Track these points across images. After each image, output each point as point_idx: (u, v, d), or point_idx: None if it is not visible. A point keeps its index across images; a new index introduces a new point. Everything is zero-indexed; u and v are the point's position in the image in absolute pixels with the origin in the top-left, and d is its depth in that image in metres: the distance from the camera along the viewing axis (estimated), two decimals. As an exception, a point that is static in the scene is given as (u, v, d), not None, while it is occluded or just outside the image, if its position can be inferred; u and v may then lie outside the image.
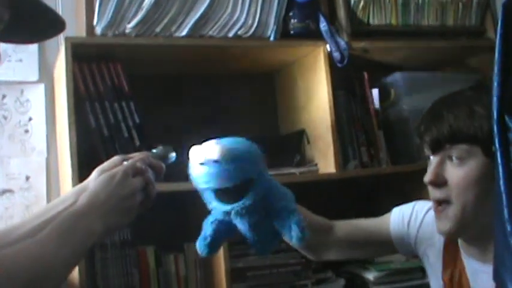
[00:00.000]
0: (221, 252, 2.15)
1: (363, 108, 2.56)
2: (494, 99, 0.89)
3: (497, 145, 0.89)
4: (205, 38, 2.25)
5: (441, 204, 1.50)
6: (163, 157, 1.53)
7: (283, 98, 2.75)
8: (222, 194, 1.36)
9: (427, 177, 1.51)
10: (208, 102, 2.58)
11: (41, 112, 2.44)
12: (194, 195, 1.95)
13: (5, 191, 2.35)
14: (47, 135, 2.43)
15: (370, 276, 2.44)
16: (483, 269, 1.48)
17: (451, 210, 1.47)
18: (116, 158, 1.46)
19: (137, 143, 2.13)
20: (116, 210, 1.33)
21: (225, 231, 1.45)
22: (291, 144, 2.53)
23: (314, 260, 1.95)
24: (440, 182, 1.48)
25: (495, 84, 0.88)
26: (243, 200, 1.35)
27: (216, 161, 1.30)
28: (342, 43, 2.36)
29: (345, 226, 1.82)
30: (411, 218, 1.74)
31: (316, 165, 2.41)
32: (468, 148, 1.43)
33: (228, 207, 1.36)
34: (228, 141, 1.34)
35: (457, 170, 1.45)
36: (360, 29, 2.51)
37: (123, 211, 1.35)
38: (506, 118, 0.88)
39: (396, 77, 2.68)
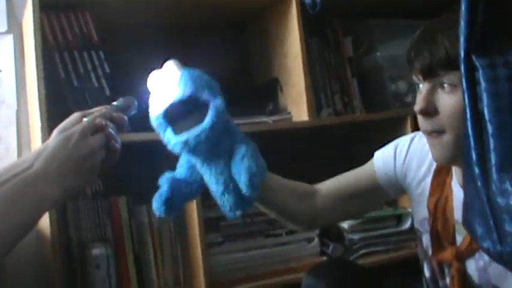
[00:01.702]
0: (194, 203, 2.15)
1: (337, 56, 2.56)
2: (461, 39, 0.87)
3: (464, 86, 0.87)
4: (175, -14, 2.22)
5: (432, 134, 1.42)
6: (125, 109, 1.47)
7: (256, 46, 2.73)
8: (178, 129, 1.30)
9: (417, 106, 1.41)
10: (179, 52, 2.53)
11: (10, 64, 2.40)
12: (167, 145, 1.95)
13: (-26, 144, 2.33)
14: (16, 87, 2.39)
15: (345, 225, 2.46)
16: None
17: (446, 139, 1.38)
18: (75, 115, 1.40)
19: (107, 92, 2.10)
20: (74, 172, 1.29)
21: (183, 189, 1.38)
22: (264, 93, 2.51)
23: (309, 230, 1.90)
24: (432, 110, 1.39)
25: (462, 24, 0.86)
26: (201, 124, 1.27)
27: (169, 76, 1.28)
28: (314, -11, 2.33)
29: (330, 185, 1.77)
30: (396, 154, 1.70)
31: (289, 113, 2.39)
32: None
33: (185, 136, 1.28)
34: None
35: (450, 98, 1.35)
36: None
37: (83, 172, 1.30)
38: (473, 58, 0.86)
39: (370, 24, 2.67)
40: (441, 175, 1.57)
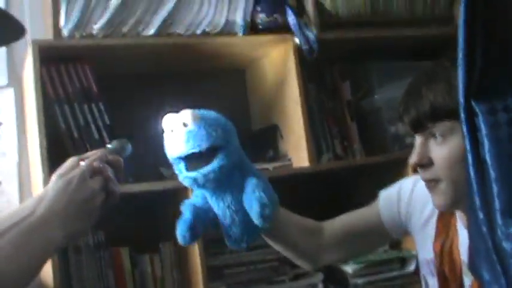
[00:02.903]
0: (197, 251, 2.14)
1: (335, 101, 2.56)
2: (460, 86, 0.87)
3: (465, 132, 0.87)
4: (173, 36, 2.24)
5: (430, 182, 1.45)
6: (120, 151, 1.48)
7: (254, 93, 2.74)
8: (191, 165, 1.33)
9: (412, 159, 1.45)
10: (179, 100, 2.55)
11: (11, 116, 2.41)
12: (167, 194, 1.95)
13: (-24, 197, 2.33)
14: (17, 140, 2.40)
15: (349, 269, 2.45)
16: None
17: (442, 187, 1.42)
18: (72, 160, 1.40)
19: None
20: (75, 216, 1.30)
21: (203, 216, 1.41)
22: (264, 140, 2.52)
23: (312, 268, 1.91)
24: (425, 162, 1.42)
25: (460, 71, 0.87)
26: (210, 164, 1.32)
27: (185, 125, 1.30)
28: (311, 35, 2.34)
29: (335, 223, 1.78)
30: (400, 195, 1.71)
31: (289, 159, 2.40)
32: (450, 124, 1.37)
33: (194, 173, 1.32)
34: (200, 111, 1.34)
35: (441, 148, 1.39)
36: (329, 21, 2.49)
37: (84, 215, 1.32)
38: (473, 103, 0.86)
39: (368, 67, 2.68)
40: (446, 217, 1.58)
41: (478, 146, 0.87)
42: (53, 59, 2.12)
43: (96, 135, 2.12)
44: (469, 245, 1.00)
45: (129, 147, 1.50)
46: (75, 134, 2.10)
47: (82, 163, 1.38)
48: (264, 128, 2.60)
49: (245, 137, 2.59)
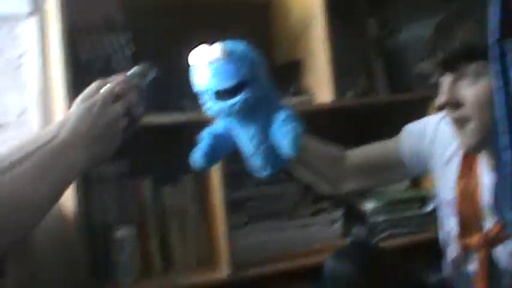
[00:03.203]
0: (217, 184, 2.16)
1: (361, 37, 2.53)
2: (492, 24, 0.85)
3: (494, 70, 0.85)
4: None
5: (458, 122, 1.42)
6: (142, 76, 1.47)
7: (279, 27, 2.70)
8: (218, 97, 1.34)
9: (441, 99, 1.41)
10: (204, 33, 2.53)
11: (34, 46, 2.39)
12: (189, 127, 1.94)
13: (-2, 126, 2.33)
14: (40, 70, 2.39)
15: (369, 206, 2.46)
16: None
17: (471, 127, 1.39)
18: (95, 84, 1.39)
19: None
20: (98, 140, 1.31)
21: (222, 144, 1.44)
22: (287, 74, 2.49)
23: (332, 192, 1.93)
24: (455, 102, 1.39)
25: (493, 8, 0.84)
26: (236, 97, 1.33)
27: (214, 59, 1.30)
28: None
29: (358, 152, 1.82)
30: (425, 129, 1.71)
31: (312, 94, 2.38)
32: (483, 64, 1.33)
33: (220, 104, 1.34)
34: (229, 43, 1.34)
35: (472, 88, 1.36)
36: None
37: (107, 139, 1.32)
38: (504, 43, 0.84)
39: (396, 4, 2.63)
40: (469, 159, 1.56)
41: (508, 84, 0.85)
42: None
43: (121, 66, 2.10)
44: (494, 186, 0.99)
45: (151, 72, 1.49)
46: (98, 65, 2.08)
47: (105, 87, 1.38)
48: (287, 62, 2.57)
49: (268, 71, 2.60)
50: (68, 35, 2.02)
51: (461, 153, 1.59)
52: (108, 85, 1.38)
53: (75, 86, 1.98)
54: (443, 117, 1.63)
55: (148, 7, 2.38)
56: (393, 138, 1.78)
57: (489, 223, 1.47)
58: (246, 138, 1.41)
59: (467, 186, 1.54)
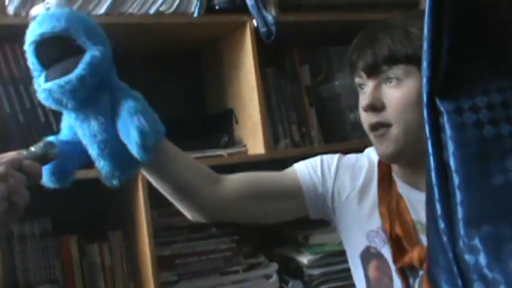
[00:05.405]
0: (146, 240, 2.08)
1: (294, 86, 2.50)
2: (424, 80, 0.79)
3: (427, 133, 0.80)
4: (124, 15, 2.13)
5: (379, 128, 1.45)
6: (43, 155, 1.21)
7: (210, 76, 2.66)
8: (51, 76, 1.16)
9: (364, 102, 1.45)
10: (131, 83, 2.46)
11: None
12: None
13: None
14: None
15: (304, 259, 2.40)
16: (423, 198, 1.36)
17: (393, 132, 1.43)
18: None
19: (55, 127, 2.01)
20: None
21: (70, 152, 1.22)
22: (219, 125, 2.44)
23: (206, 219, 1.70)
24: (378, 105, 1.43)
25: (424, 64, 0.79)
26: (68, 75, 1.14)
27: (48, 9, 1.17)
28: (270, 18, 2.25)
29: (247, 177, 1.62)
30: (323, 166, 1.65)
31: (245, 146, 2.33)
32: (406, 68, 1.41)
33: (50, 84, 1.14)
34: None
35: (395, 91, 1.42)
36: (288, 3, 2.39)
37: None
38: (438, 102, 0.79)
39: (328, 51, 2.61)
40: (385, 183, 1.57)
41: (441, 148, 0.80)
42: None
43: (43, 119, 2.04)
44: (427, 252, 0.92)
45: (55, 154, 1.23)
46: (21, 118, 2.02)
47: None
48: (219, 112, 2.52)
49: (199, 122, 2.55)
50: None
51: (373, 181, 1.59)
52: None
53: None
54: (341, 156, 1.67)
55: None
56: (286, 170, 1.68)
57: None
58: (88, 136, 1.19)
59: (390, 206, 1.53)
